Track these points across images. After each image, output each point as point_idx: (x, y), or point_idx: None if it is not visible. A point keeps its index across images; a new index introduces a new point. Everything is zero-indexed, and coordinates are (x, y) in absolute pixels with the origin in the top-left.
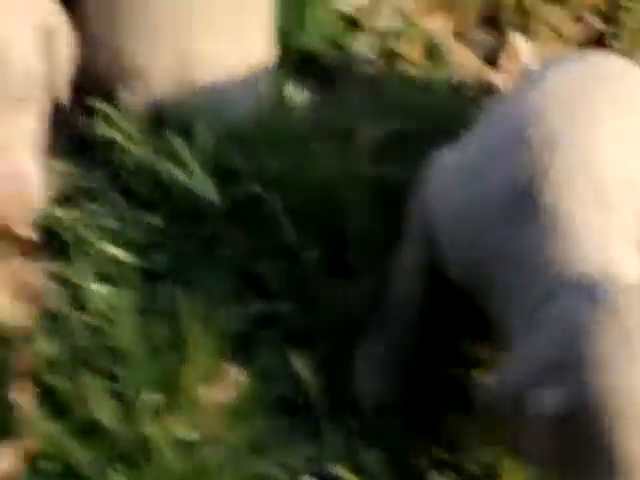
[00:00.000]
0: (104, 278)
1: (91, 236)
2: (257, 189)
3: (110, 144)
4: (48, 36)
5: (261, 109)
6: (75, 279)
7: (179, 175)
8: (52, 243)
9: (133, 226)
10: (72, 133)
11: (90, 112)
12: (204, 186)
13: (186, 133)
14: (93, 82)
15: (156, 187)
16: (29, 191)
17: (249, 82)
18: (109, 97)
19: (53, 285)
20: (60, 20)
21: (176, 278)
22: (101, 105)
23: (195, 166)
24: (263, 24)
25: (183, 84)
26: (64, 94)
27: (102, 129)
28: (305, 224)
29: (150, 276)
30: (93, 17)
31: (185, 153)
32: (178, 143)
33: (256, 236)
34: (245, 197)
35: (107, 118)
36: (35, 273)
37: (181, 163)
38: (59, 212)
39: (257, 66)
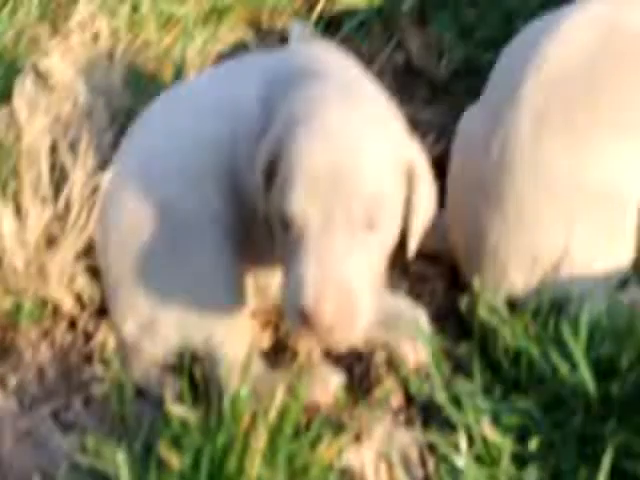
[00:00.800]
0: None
1: (469, 414)
2: (637, 387)
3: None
4: (408, 176)
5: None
6: (445, 450)
7: (561, 364)
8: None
9: (504, 407)
10: None
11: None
12: (584, 379)
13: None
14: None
15: (528, 370)
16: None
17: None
18: None
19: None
20: (422, 168)
21: (544, 466)
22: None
23: (580, 357)
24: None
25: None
26: (412, 243)
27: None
28: None
29: (518, 459)
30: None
31: (572, 343)
32: (566, 331)
33: (632, 435)
34: (622, 395)
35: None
36: (403, 443)
37: (565, 352)
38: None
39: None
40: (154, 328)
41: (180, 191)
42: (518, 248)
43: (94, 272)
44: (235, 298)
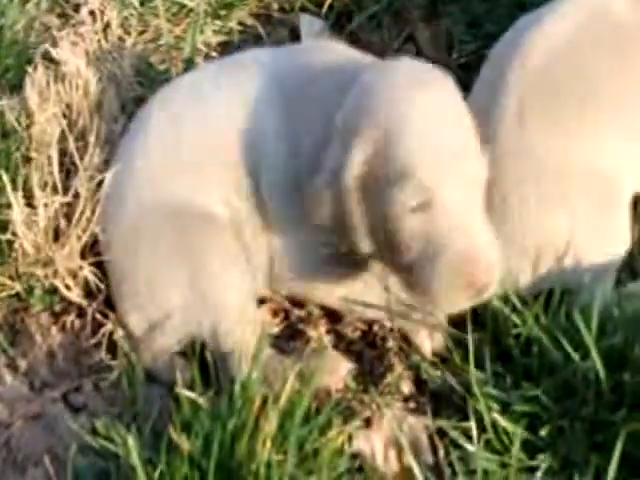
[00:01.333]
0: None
1: (480, 402)
2: None
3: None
4: None
5: None
6: (455, 436)
7: (574, 355)
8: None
9: (515, 395)
10: None
11: None
12: (595, 367)
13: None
14: None
15: (539, 358)
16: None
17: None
18: None
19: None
20: None
21: (555, 454)
22: None
23: (591, 346)
24: None
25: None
26: None
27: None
28: None
29: (529, 446)
30: None
31: (586, 334)
32: (579, 321)
33: None
34: (633, 384)
35: None
36: (414, 428)
37: (576, 341)
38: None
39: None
40: (160, 323)
41: (189, 190)
42: (505, 236)
43: (101, 264)
44: (242, 294)
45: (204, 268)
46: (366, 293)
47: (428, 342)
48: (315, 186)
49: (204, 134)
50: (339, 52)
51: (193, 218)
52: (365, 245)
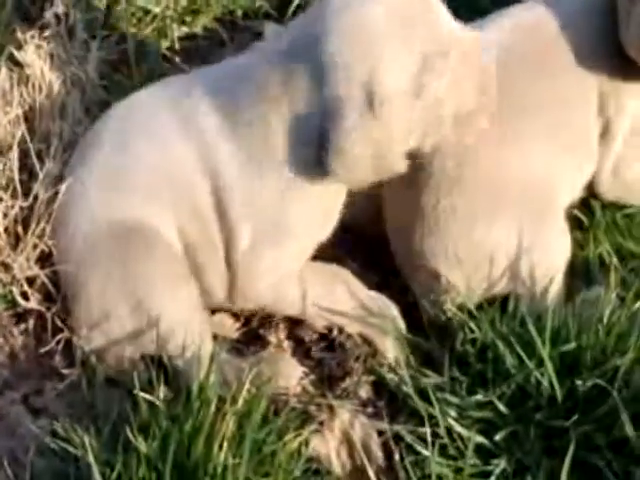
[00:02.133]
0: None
1: (435, 407)
2: (599, 382)
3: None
4: None
5: None
6: (410, 441)
7: (528, 362)
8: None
9: (470, 400)
10: None
11: None
12: (547, 375)
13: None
14: None
15: (494, 364)
16: None
17: None
18: None
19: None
20: None
21: (509, 459)
22: None
23: (545, 353)
24: None
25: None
26: None
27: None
28: None
29: (483, 451)
30: None
31: (538, 341)
32: (532, 330)
33: (594, 429)
34: (586, 390)
35: None
36: (366, 428)
37: (530, 347)
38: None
39: None
40: (112, 337)
41: (139, 211)
42: (439, 246)
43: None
44: (186, 311)
45: (149, 288)
46: (333, 301)
47: (392, 347)
48: (344, 139)
49: (156, 157)
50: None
51: (141, 238)
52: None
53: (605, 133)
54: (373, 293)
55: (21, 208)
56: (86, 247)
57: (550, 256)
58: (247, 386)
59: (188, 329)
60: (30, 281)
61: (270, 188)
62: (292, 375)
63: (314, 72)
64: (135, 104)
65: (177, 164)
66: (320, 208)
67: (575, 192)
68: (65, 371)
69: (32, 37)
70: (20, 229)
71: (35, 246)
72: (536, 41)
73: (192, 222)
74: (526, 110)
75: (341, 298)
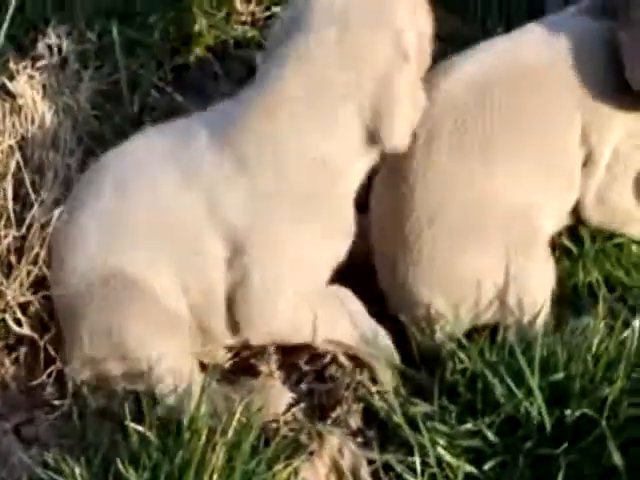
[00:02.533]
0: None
1: (425, 436)
2: (588, 412)
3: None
4: None
5: None
6: (400, 470)
7: (517, 391)
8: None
9: (460, 429)
10: None
11: None
12: (536, 404)
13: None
14: None
15: (483, 394)
16: None
17: None
18: None
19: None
20: None
21: None
22: None
23: (534, 385)
24: None
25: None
26: None
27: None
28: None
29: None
30: None
31: (527, 370)
32: (521, 359)
33: (583, 458)
34: (574, 419)
35: None
36: (355, 457)
37: (520, 377)
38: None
39: None
40: (104, 375)
41: (139, 260)
42: (426, 276)
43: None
44: (178, 358)
45: (139, 342)
46: (338, 331)
47: (390, 378)
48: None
49: (158, 207)
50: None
51: (136, 290)
52: None
53: (588, 162)
54: (373, 323)
55: (14, 237)
56: (82, 288)
57: (535, 285)
58: (237, 416)
59: (177, 375)
60: (24, 308)
61: (284, 223)
62: (282, 402)
63: None
64: (135, 152)
65: (181, 214)
66: (333, 233)
67: (559, 221)
68: (56, 402)
69: (25, 68)
70: (13, 258)
71: (29, 273)
72: (522, 71)
73: (195, 272)
74: (508, 140)
75: (345, 329)
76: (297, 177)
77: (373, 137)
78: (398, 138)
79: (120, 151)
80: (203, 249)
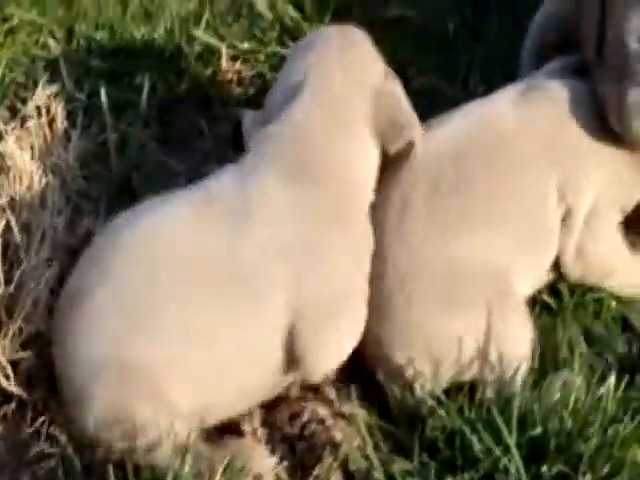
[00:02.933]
0: None
1: None
2: (564, 469)
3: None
4: None
5: None
6: None
7: (495, 449)
8: None
9: None
10: None
11: None
12: (514, 462)
13: None
14: None
15: (462, 450)
16: None
17: None
18: None
19: None
20: None
21: None
22: None
23: (511, 442)
24: None
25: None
26: None
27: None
28: None
29: None
30: None
31: (504, 429)
32: (498, 418)
33: None
34: (552, 475)
35: None
36: None
37: (497, 433)
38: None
39: None
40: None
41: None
42: (399, 336)
43: (43, 354)
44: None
45: (140, 432)
46: None
47: None
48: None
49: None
50: None
51: (145, 385)
52: None
53: (566, 218)
54: None
55: (3, 296)
56: (90, 368)
57: (513, 344)
58: (218, 478)
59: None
60: (14, 365)
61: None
62: (264, 464)
63: None
64: (158, 229)
65: None
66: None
67: (538, 279)
68: (42, 462)
69: (13, 129)
70: (4, 316)
71: (20, 331)
72: (496, 136)
73: None
74: (484, 206)
75: None
76: None
77: None
78: None
79: (140, 227)
80: None
